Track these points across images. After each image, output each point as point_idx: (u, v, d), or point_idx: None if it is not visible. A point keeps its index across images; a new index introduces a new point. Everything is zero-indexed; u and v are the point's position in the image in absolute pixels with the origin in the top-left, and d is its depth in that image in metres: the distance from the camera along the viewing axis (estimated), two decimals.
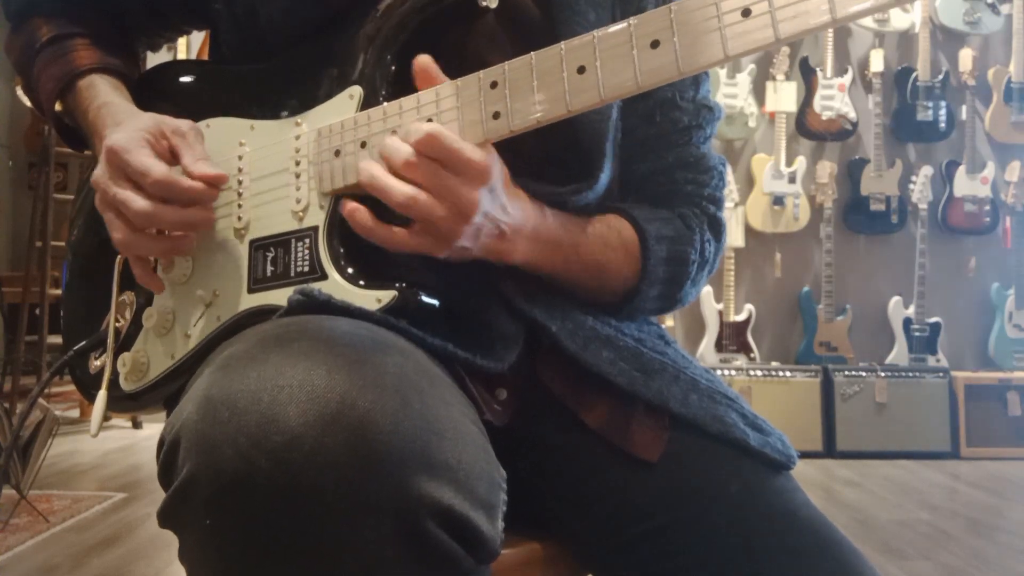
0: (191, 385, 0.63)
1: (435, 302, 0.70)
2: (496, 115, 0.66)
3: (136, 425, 3.92)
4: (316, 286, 0.71)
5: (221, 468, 0.50)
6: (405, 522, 0.50)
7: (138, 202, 0.73)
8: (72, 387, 4.37)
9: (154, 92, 0.91)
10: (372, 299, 0.69)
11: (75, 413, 4.12)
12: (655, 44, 0.61)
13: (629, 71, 0.62)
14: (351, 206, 0.70)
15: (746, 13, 0.58)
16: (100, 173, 0.76)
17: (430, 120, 0.69)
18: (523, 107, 0.65)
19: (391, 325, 0.66)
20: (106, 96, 0.85)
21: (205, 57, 0.99)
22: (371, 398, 0.52)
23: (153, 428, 3.88)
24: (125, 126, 0.77)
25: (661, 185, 0.89)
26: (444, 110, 0.69)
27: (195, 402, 0.54)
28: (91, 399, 0.86)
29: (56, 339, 3.98)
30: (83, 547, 2.26)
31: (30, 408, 0.90)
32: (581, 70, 0.64)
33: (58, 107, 0.90)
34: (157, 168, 0.73)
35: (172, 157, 0.76)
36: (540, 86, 0.65)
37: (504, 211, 0.71)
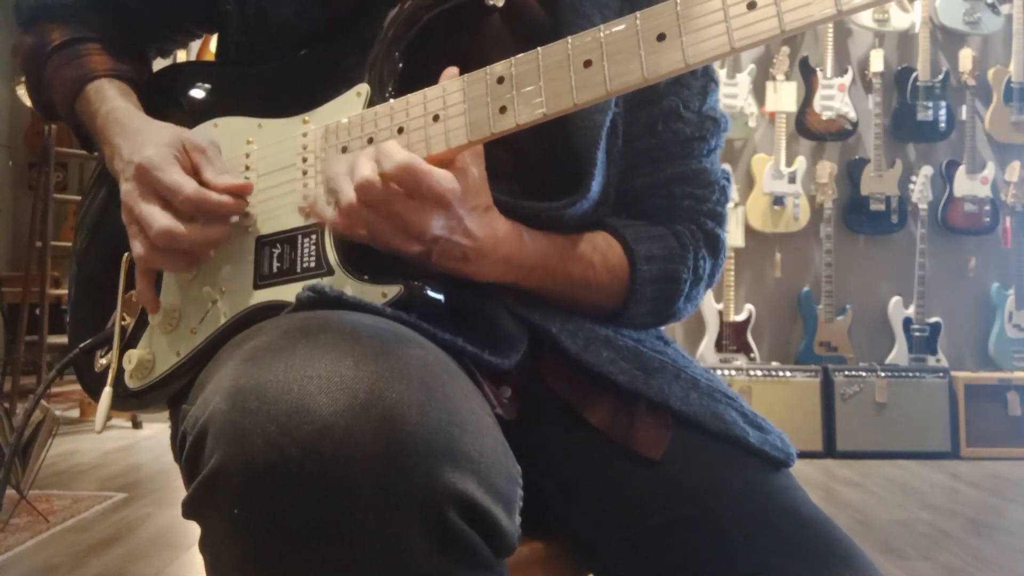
0: (206, 380, 0.63)
1: (440, 297, 0.70)
2: (503, 110, 0.67)
3: (136, 425, 3.92)
4: (323, 281, 0.71)
5: (251, 457, 0.50)
6: (430, 512, 0.51)
7: (160, 220, 0.74)
8: (72, 387, 4.39)
9: (162, 94, 0.91)
10: (378, 294, 0.69)
11: (75, 413, 4.13)
12: (661, 37, 0.61)
13: (635, 64, 0.62)
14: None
15: (751, 6, 0.59)
16: (129, 189, 0.76)
17: (436, 117, 0.69)
18: (529, 102, 0.66)
19: (402, 320, 0.66)
20: (114, 101, 0.85)
21: (204, 58, 0.99)
22: (398, 389, 0.52)
23: (153, 428, 3.89)
24: (150, 141, 0.77)
25: (659, 199, 0.88)
26: (451, 105, 0.69)
27: (223, 393, 0.54)
28: (96, 397, 0.87)
29: (56, 339, 3.98)
30: (83, 547, 2.26)
31: (35, 406, 0.91)
32: (587, 64, 0.64)
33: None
34: (189, 185, 0.74)
35: (194, 173, 0.77)
36: (546, 81, 0.65)
37: (466, 235, 0.71)
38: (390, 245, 0.70)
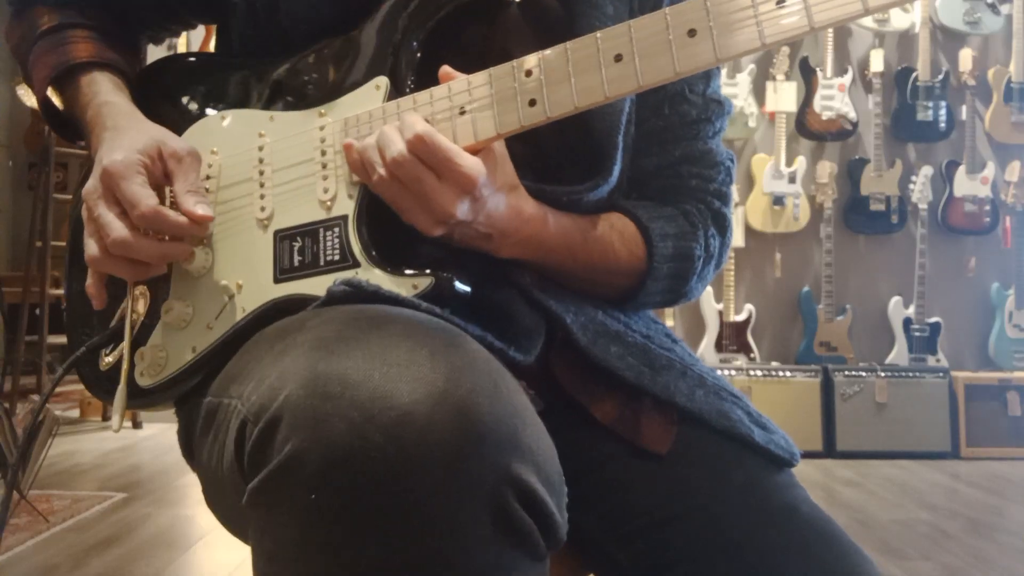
0: (242, 371, 0.64)
1: (468, 289, 0.71)
2: (532, 102, 0.68)
3: (136, 425, 3.92)
4: (352, 274, 0.71)
5: (333, 441, 0.50)
6: (498, 500, 0.51)
7: (117, 231, 0.73)
8: (72, 387, 4.39)
9: (168, 85, 0.90)
10: (408, 286, 0.69)
11: (75, 413, 4.12)
12: (692, 33, 0.63)
13: (667, 59, 0.63)
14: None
15: (780, 2, 0.60)
16: (91, 188, 0.75)
17: (463, 111, 0.70)
18: (560, 95, 0.67)
19: (436, 315, 0.66)
20: (107, 95, 0.84)
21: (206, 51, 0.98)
22: (471, 379, 0.53)
23: (153, 428, 3.88)
24: (123, 144, 0.76)
25: (667, 179, 0.89)
26: (477, 99, 0.69)
27: (298, 380, 0.54)
28: (100, 396, 0.86)
29: (56, 339, 3.98)
30: (83, 547, 2.26)
31: (42, 407, 0.90)
32: (618, 58, 0.65)
33: (56, 100, 0.90)
34: (146, 201, 0.72)
35: (166, 180, 0.77)
36: (577, 74, 0.66)
37: (489, 218, 0.72)
38: (414, 223, 0.71)
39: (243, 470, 0.58)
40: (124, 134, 0.78)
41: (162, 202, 0.75)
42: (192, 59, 0.95)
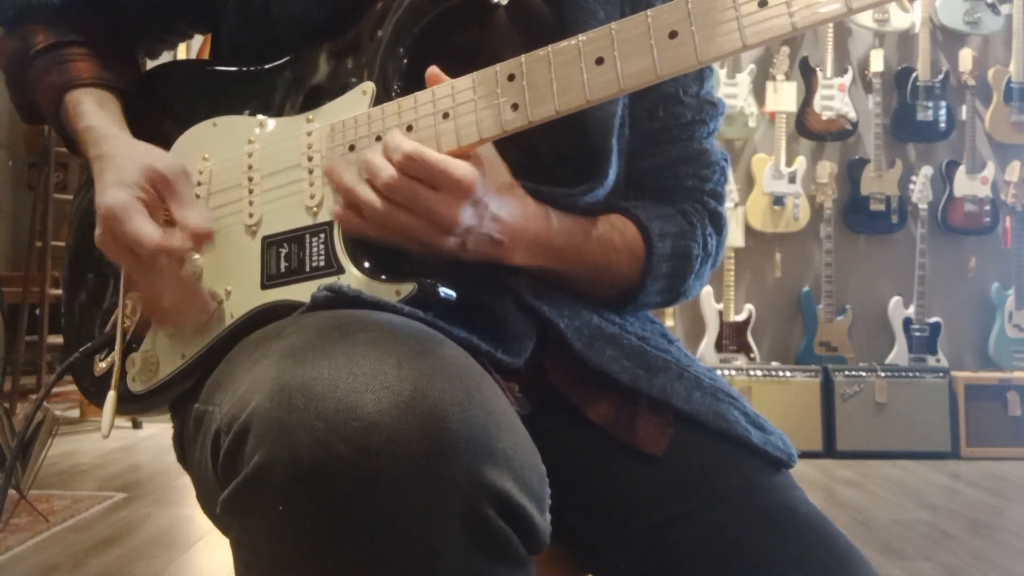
0: (225, 379, 0.64)
1: (453, 294, 0.71)
2: (515, 107, 0.67)
3: (136, 425, 3.92)
4: (334, 280, 0.71)
5: (298, 454, 0.50)
6: (471, 509, 0.51)
7: (132, 270, 0.75)
8: (73, 387, 4.38)
9: (158, 92, 0.90)
10: (391, 292, 0.69)
11: (75, 413, 4.12)
12: (673, 34, 0.62)
13: (648, 61, 0.63)
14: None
15: (763, 3, 0.59)
16: (100, 234, 0.76)
17: (446, 115, 0.69)
18: (542, 99, 0.66)
19: (419, 318, 0.66)
20: (89, 118, 0.83)
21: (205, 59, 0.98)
22: (440, 387, 0.53)
23: (153, 428, 3.88)
24: (114, 180, 0.76)
25: (664, 180, 0.89)
26: (460, 103, 0.69)
27: (265, 391, 0.54)
28: (95, 401, 0.86)
29: (56, 339, 3.98)
30: (83, 547, 2.26)
31: (36, 410, 0.90)
32: (599, 61, 0.64)
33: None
34: (148, 239, 0.73)
35: (163, 203, 0.77)
36: (559, 78, 0.66)
37: (495, 220, 0.72)
38: (426, 242, 0.70)
39: (218, 479, 0.58)
40: (111, 164, 0.78)
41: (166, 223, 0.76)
42: (186, 66, 0.96)
